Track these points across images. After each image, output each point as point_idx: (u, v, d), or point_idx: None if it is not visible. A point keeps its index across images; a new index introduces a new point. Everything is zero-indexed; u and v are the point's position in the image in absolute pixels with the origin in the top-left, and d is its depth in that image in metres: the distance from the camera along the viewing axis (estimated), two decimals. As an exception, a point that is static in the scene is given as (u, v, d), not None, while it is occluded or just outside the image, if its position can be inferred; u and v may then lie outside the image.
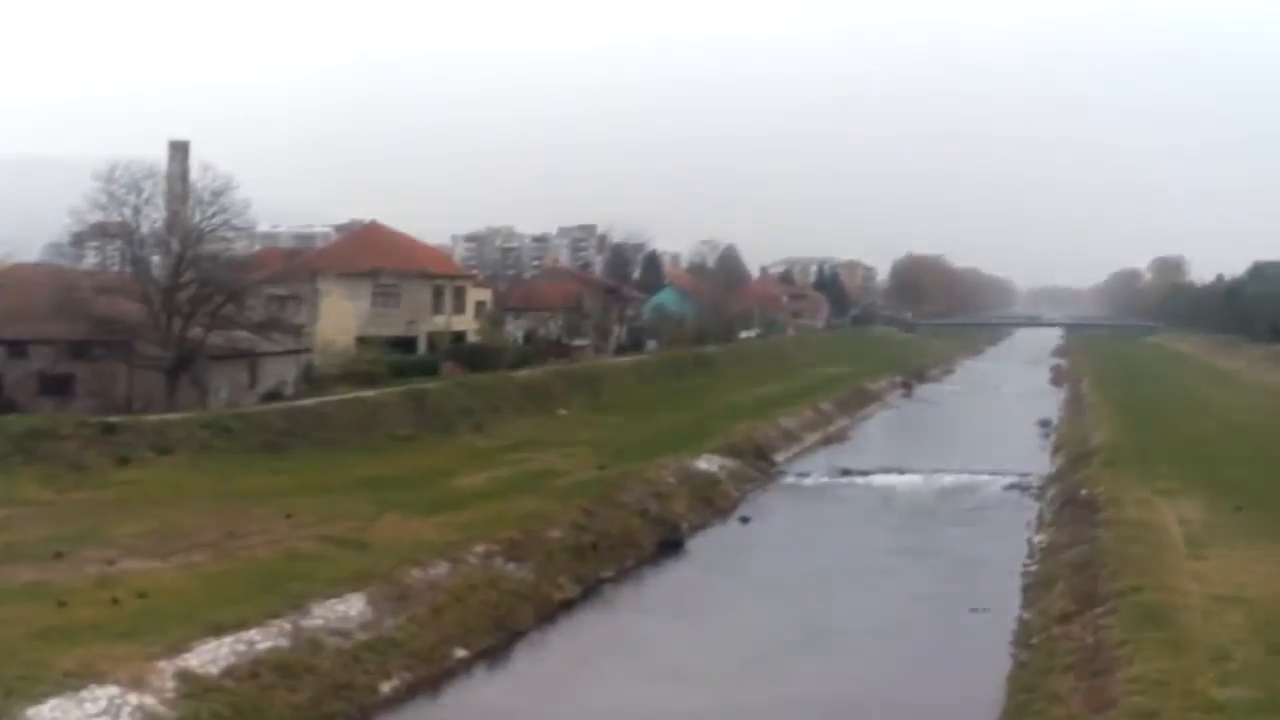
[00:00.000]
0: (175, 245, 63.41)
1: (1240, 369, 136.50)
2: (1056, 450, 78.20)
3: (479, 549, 39.38)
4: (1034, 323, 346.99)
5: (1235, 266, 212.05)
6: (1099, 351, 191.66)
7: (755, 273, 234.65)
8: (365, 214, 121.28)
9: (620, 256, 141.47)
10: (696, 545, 50.59)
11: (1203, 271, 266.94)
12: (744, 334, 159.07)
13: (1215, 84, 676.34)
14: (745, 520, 56.14)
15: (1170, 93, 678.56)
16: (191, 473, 48.75)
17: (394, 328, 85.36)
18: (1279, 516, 44.48)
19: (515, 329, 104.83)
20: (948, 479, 67.40)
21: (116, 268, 67.38)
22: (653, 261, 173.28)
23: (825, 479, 68.41)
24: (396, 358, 77.92)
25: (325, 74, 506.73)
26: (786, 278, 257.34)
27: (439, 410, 68.34)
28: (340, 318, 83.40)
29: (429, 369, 79.68)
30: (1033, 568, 44.80)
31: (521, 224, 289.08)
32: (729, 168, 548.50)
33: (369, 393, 66.08)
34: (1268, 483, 52.57)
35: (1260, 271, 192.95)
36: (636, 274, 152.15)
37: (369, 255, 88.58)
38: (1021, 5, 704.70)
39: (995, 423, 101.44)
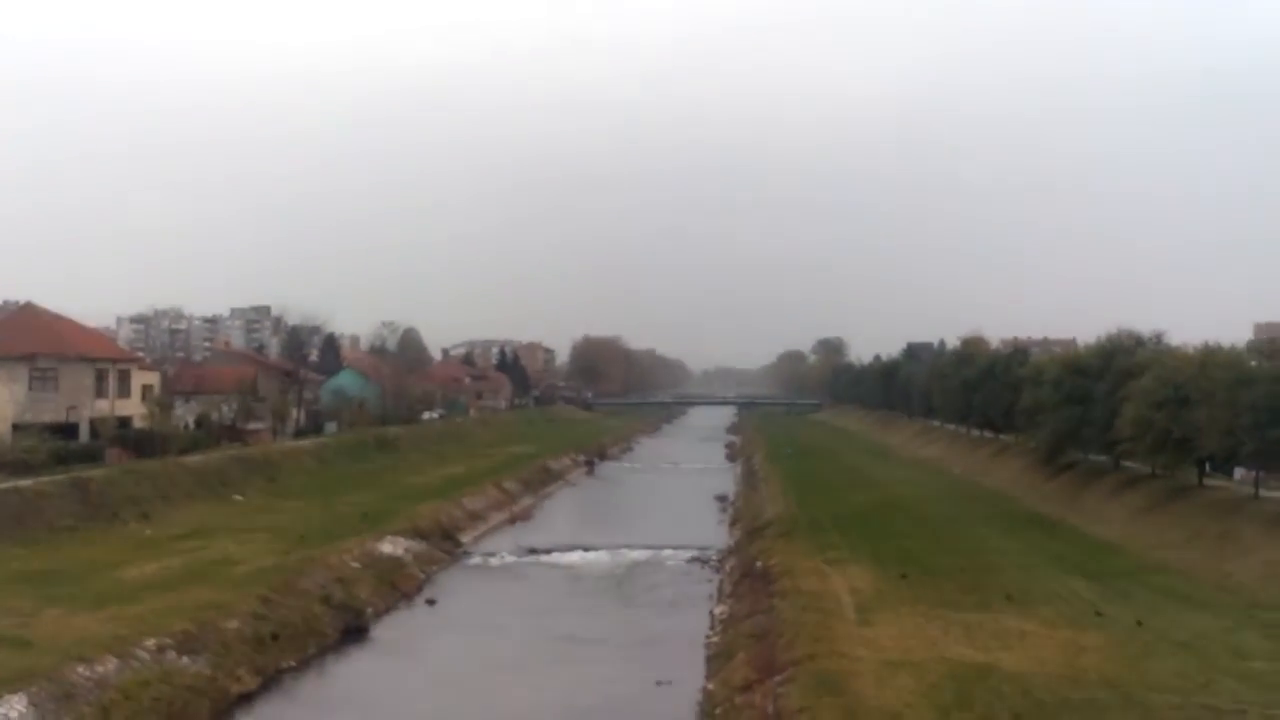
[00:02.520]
0: None
1: (898, 443, 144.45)
2: (734, 523, 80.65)
3: (150, 643, 37.42)
4: (708, 400, 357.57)
5: (890, 347, 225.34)
6: (770, 428, 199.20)
7: (437, 354, 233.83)
8: (20, 295, 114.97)
9: (297, 338, 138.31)
10: (381, 631, 49.53)
11: (862, 352, 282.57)
12: (427, 415, 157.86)
13: (869, 184, 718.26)
14: (431, 603, 55.37)
15: (822, 187, 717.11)
16: None
17: (54, 413, 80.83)
18: (940, 583, 47.21)
19: (186, 413, 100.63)
20: (632, 554, 68.51)
21: None
22: (331, 343, 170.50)
23: (511, 558, 68.29)
24: (57, 444, 73.62)
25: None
26: (468, 359, 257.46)
27: (104, 499, 64.78)
28: (-5, 404, 78.38)
29: (93, 456, 75.70)
30: (715, 639, 45.85)
31: (190, 305, 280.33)
32: (407, 250, 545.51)
33: (26, 482, 62.07)
34: (929, 551, 55.76)
35: (913, 352, 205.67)
36: (314, 356, 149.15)
37: (24, 338, 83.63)
38: (692, 106, 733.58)
39: (675, 498, 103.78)
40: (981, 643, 36.54)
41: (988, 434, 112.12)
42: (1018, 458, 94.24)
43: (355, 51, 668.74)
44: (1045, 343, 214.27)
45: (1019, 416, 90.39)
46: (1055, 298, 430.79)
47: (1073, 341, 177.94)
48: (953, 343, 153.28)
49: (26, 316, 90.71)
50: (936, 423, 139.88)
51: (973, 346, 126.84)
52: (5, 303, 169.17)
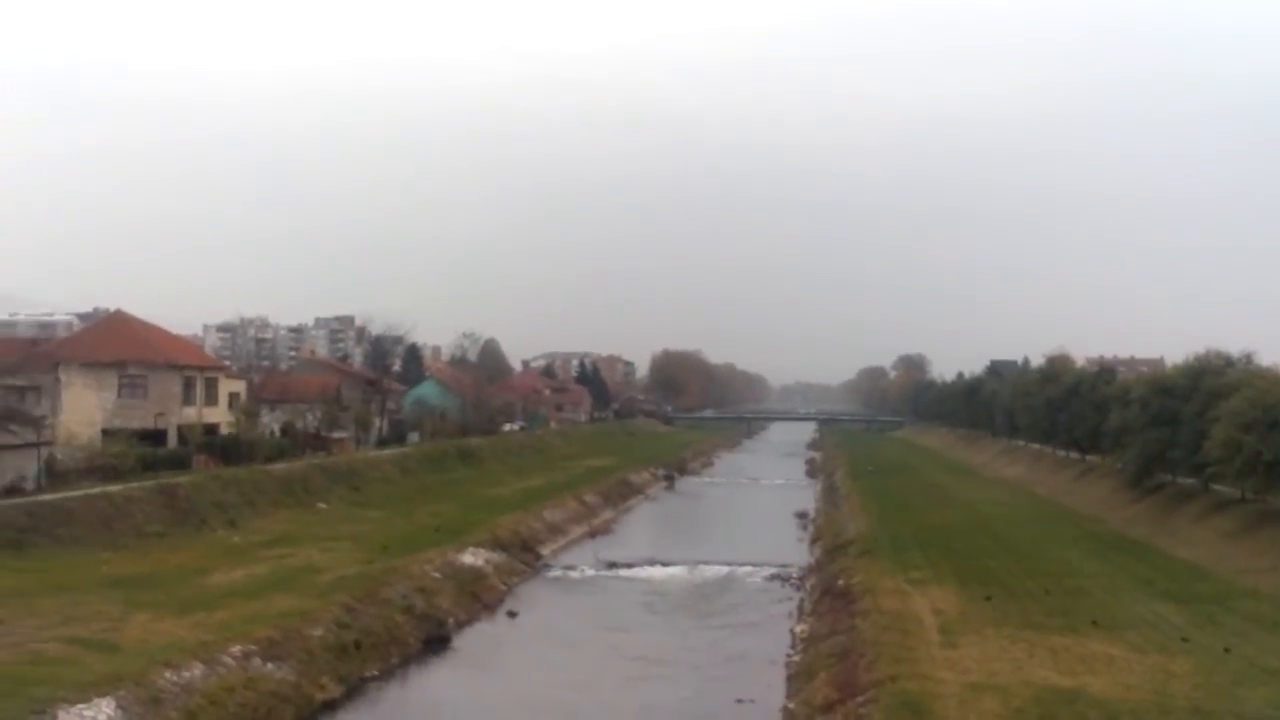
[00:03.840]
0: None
1: (981, 462, 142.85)
2: (814, 541, 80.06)
3: (235, 649, 37.72)
4: (788, 416, 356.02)
5: (973, 364, 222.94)
6: (851, 445, 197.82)
7: (517, 366, 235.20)
8: (110, 303, 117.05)
9: (380, 348, 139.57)
10: (463, 641, 49.70)
11: (944, 369, 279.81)
12: (507, 427, 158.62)
13: (951, 200, 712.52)
14: (513, 615, 55.48)
15: (913, 208, 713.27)
16: (-79, 574, 45.50)
17: (143, 420, 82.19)
18: (1026, 605, 46.48)
19: (272, 421, 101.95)
20: (711, 570, 68.23)
21: None
22: (413, 354, 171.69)
23: (591, 571, 68.31)
24: (145, 450, 74.86)
25: (53, 159, 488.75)
26: (548, 372, 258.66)
27: (191, 505, 65.67)
28: (84, 410, 79.88)
29: (180, 462, 76.85)
30: (795, 658, 45.44)
31: (276, 314, 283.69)
32: (489, 261, 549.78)
33: (115, 487, 63.12)
34: (1013, 572, 54.93)
35: (996, 370, 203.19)
36: (397, 366, 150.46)
37: (114, 345, 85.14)
38: (786, 113, 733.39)
39: (755, 514, 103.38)
40: (1067, 667, 35.89)
41: (1073, 454, 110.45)
42: (1104, 479, 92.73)
43: (439, 68, 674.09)
44: (1132, 362, 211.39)
45: (1105, 437, 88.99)
46: (1142, 316, 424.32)
47: (1160, 361, 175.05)
48: (1037, 361, 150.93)
49: (117, 324, 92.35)
50: (1020, 442, 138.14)
51: (1058, 365, 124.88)
52: (96, 310, 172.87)
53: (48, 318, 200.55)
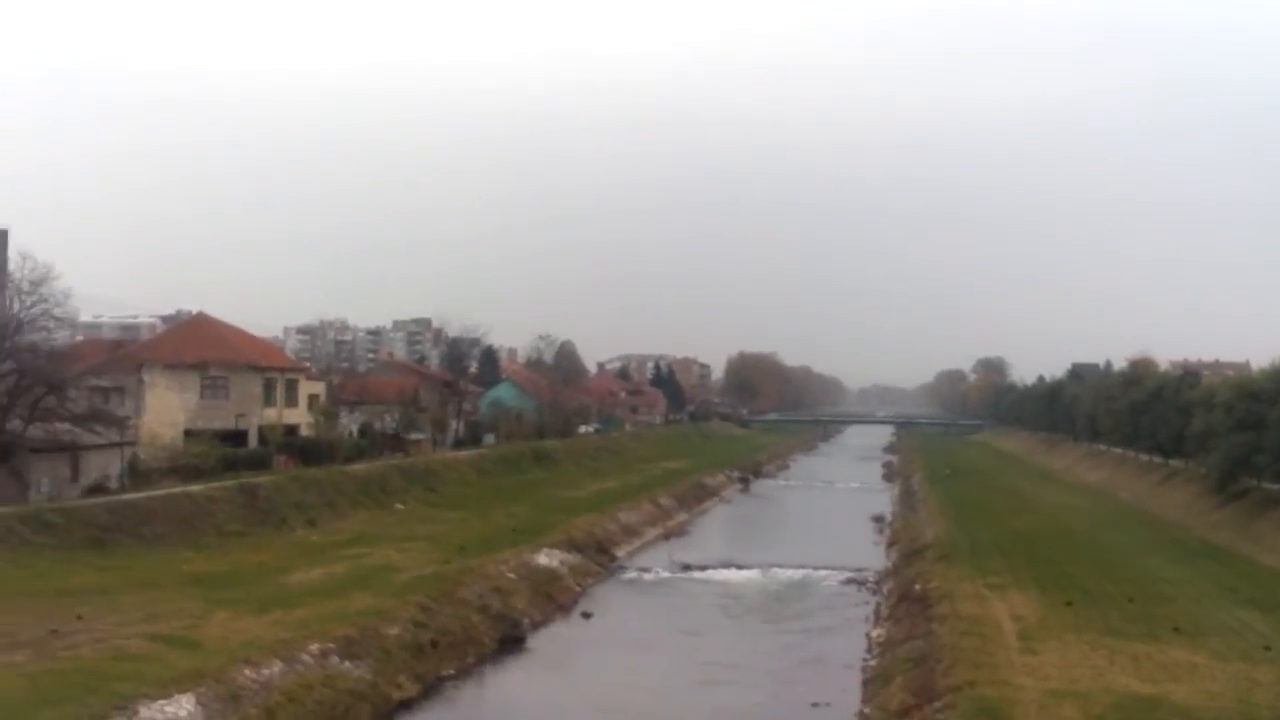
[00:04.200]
0: (-6, 336, 61.28)
1: (1062, 467, 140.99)
2: (891, 545, 79.45)
3: (314, 647, 38.09)
4: (865, 420, 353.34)
5: (1054, 367, 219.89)
6: (929, 448, 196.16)
7: (592, 369, 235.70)
8: (192, 305, 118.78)
9: (457, 350, 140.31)
10: (539, 642, 49.85)
11: (1024, 372, 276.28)
12: (583, 429, 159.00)
13: (1034, 202, 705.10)
14: (587, 616, 55.54)
15: (983, 219, 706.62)
16: (11, 568, 46.35)
17: (224, 420, 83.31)
18: (1107, 611, 45.76)
19: (350, 422, 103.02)
20: (786, 573, 67.91)
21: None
22: (490, 356, 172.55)
23: (666, 574, 68.27)
24: (226, 451, 75.90)
25: (134, 160, 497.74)
26: (623, 374, 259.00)
27: (271, 505, 66.49)
28: (167, 410, 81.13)
29: (261, 462, 77.81)
30: (871, 662, 45.08)
31: (355, 317, 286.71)
32: (565, 263, 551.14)
33: (197, 487, 64.06)
34: (1094, 578, 54.13)
35: (1078, 373, 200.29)
36: (473, 368, 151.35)
37: (196, 347, 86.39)
38: (863, 124, 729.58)
39: (831, 517, 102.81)
40: (1149, 674, 35.30)
41: (1156, 459, 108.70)
42: (1187, 484, 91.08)
43: (516, 68, 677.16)
44: (1217, 365, 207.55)
45: (1189, 442, 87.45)
46: (1227, 319, 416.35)
47: (1245, 365, 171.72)
48: (1119, 364, 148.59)
49: (199, 326, 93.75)
50: (1102, 446, 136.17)
51: (1141, 368, 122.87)
52: (178, 312, 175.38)
53: (131, 320, 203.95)
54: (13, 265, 64.46)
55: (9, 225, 68.00)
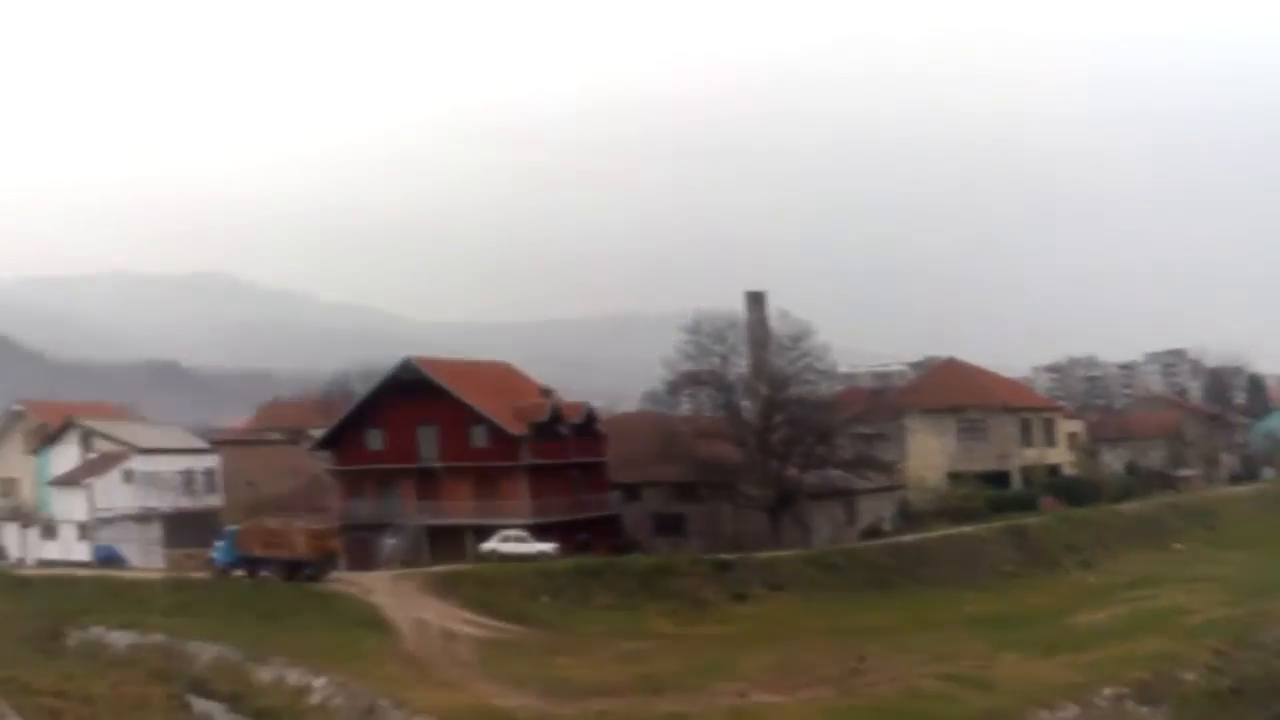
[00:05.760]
0: (763, 390, 65.49)
1: None
2: None
3: (1107, 691, 36.55)
4: None
5: None
6: None
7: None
8: (941, 351, 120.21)
9: (1219, 381, 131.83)
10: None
11: None
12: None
13: None
14: None
15: None
16: (803, 608, 49.12)
17: (984, 462, 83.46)
18: None
19: (1112, 460, 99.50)
20: None
21: (709, 413, 69.76)
22: (1256, 385, 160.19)
23: None
24: (992, 493, 75.94)
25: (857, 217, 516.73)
26: None
27: (1042, 545, 65.55)
28: (928, 454, 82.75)
29: (1026, 504, 76.90)
30: None
31: (1103, 352, 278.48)
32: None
33: (968, 529, 64.45)
34: None
35: None
36: (1240, 398, 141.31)
37: (951, 391, 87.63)
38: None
39: None
40: None
41: None
42: None
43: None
44: None
45: None
46: None
47: None
48: None
49: (950, 371, 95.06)
50: None
51: None
52: (926, 358, 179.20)
53: (884, 367, 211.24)
54: (773, 323, 68.28)
55: (767, 288, 71.94)
